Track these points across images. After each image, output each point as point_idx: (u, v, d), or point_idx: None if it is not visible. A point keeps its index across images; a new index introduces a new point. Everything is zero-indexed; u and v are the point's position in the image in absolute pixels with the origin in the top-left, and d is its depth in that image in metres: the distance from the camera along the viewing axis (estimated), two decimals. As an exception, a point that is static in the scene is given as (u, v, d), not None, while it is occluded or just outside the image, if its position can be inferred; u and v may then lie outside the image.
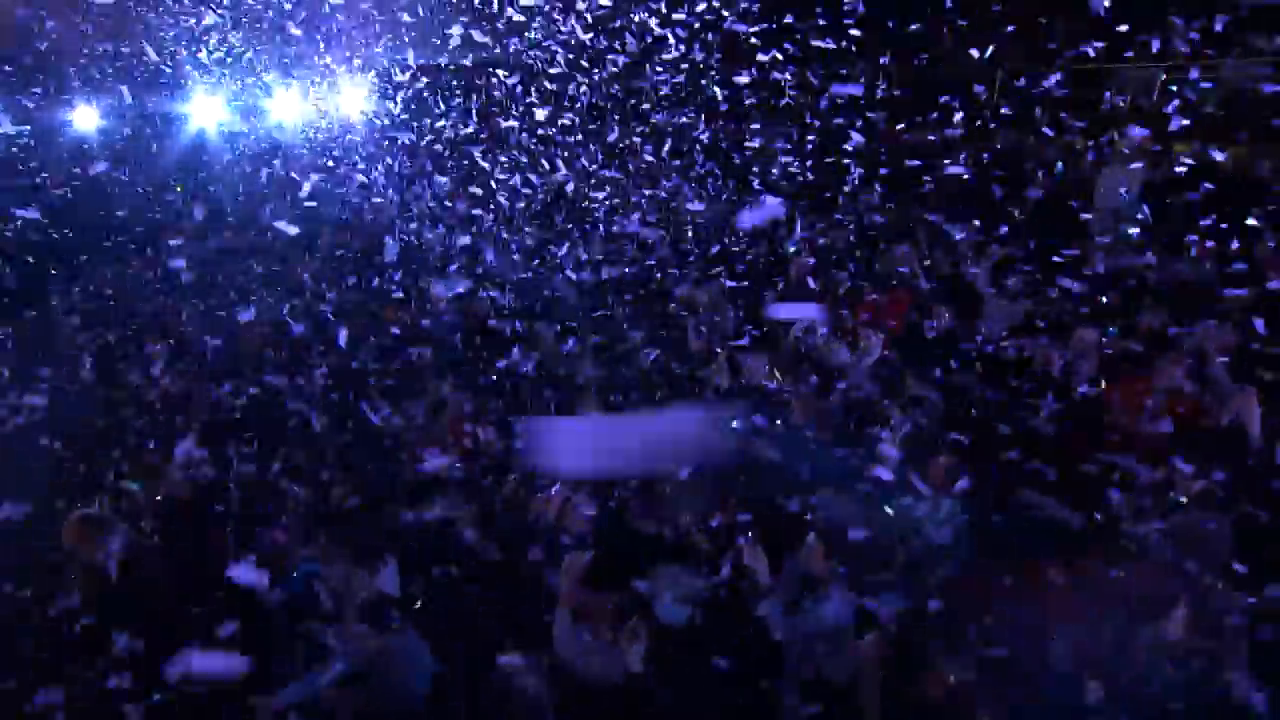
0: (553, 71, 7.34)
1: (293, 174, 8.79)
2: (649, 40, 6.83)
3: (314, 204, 7.51)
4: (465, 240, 6.63)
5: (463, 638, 3.37)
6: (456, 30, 6.82)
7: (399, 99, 9.25)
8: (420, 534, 3.92)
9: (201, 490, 4.11)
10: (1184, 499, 3.78)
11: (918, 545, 3.81)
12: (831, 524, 3.71)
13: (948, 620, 3.34)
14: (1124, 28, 7.10)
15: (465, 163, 7.93)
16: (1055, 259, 6.45)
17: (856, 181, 7.15)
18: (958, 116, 7.19)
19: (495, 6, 7.00)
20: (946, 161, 7.08)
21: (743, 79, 6.70)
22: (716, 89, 7.49)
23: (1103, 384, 4.73)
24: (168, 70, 9.41)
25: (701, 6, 6.65)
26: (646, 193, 7.30)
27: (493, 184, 7.03)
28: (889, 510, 3.78)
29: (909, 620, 3.11)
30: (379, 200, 8.15)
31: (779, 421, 4.59)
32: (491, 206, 7.17)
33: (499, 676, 2.92)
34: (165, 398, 5.18)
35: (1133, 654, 3.12)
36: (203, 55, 9.47)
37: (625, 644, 2.79)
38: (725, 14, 6.82)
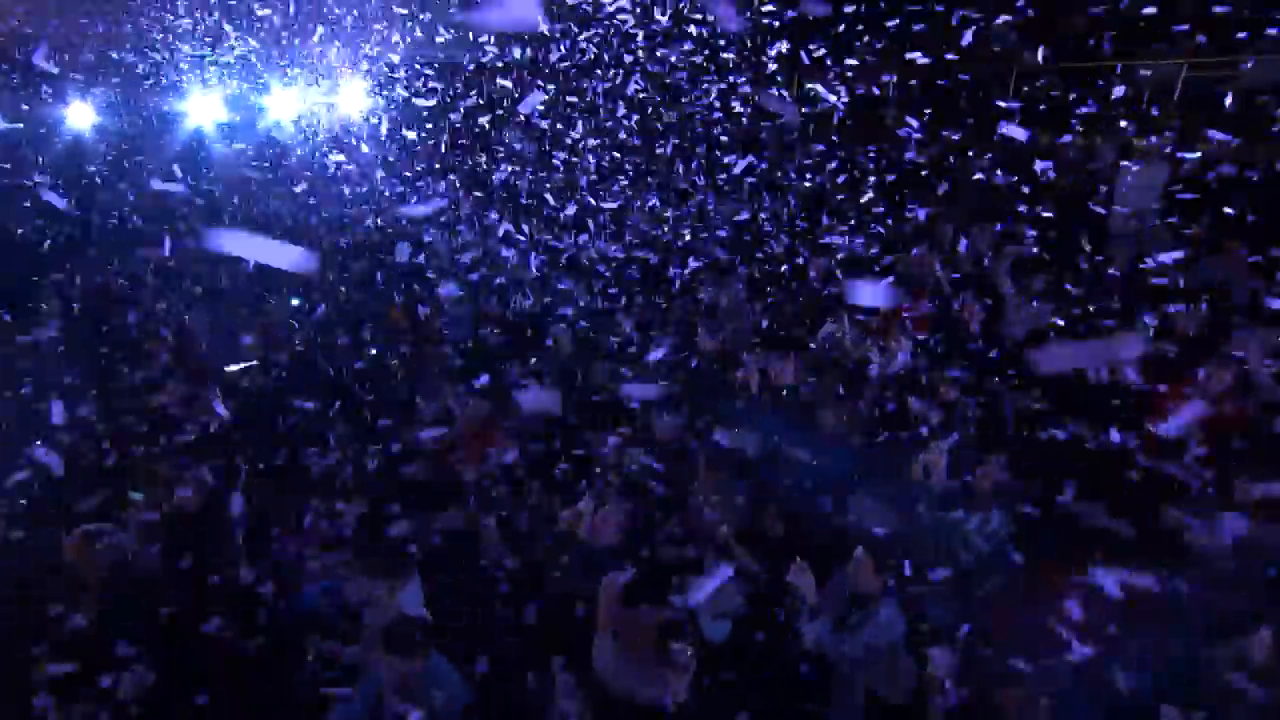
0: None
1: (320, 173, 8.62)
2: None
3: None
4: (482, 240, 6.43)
5: (493, 661, 3.16)
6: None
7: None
8: (444, 547, 3.74)
9: (210, 501, 3.88)
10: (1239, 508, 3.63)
11: (966, 556, 3.65)
12: (876, 535, 3.54)
13: (1002, 636, 3.18)
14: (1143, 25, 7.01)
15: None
16: (1079, 260, 6.34)
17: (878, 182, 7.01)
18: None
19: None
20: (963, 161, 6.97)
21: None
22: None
23: (1147, 389, 4.57)
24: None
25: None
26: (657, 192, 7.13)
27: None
28: (934, 519, 3.61)
29: (973, 638, 2.92)
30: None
31: (810, 426, 4.43)
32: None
33: (535, 700, 2.74)
34: (168, 404, 4.96)
35: (1201, 671, 2.97)
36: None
37: (674, 674, 2.60)
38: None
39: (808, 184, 7.25)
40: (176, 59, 11.00)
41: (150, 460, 4.26)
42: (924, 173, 7.10)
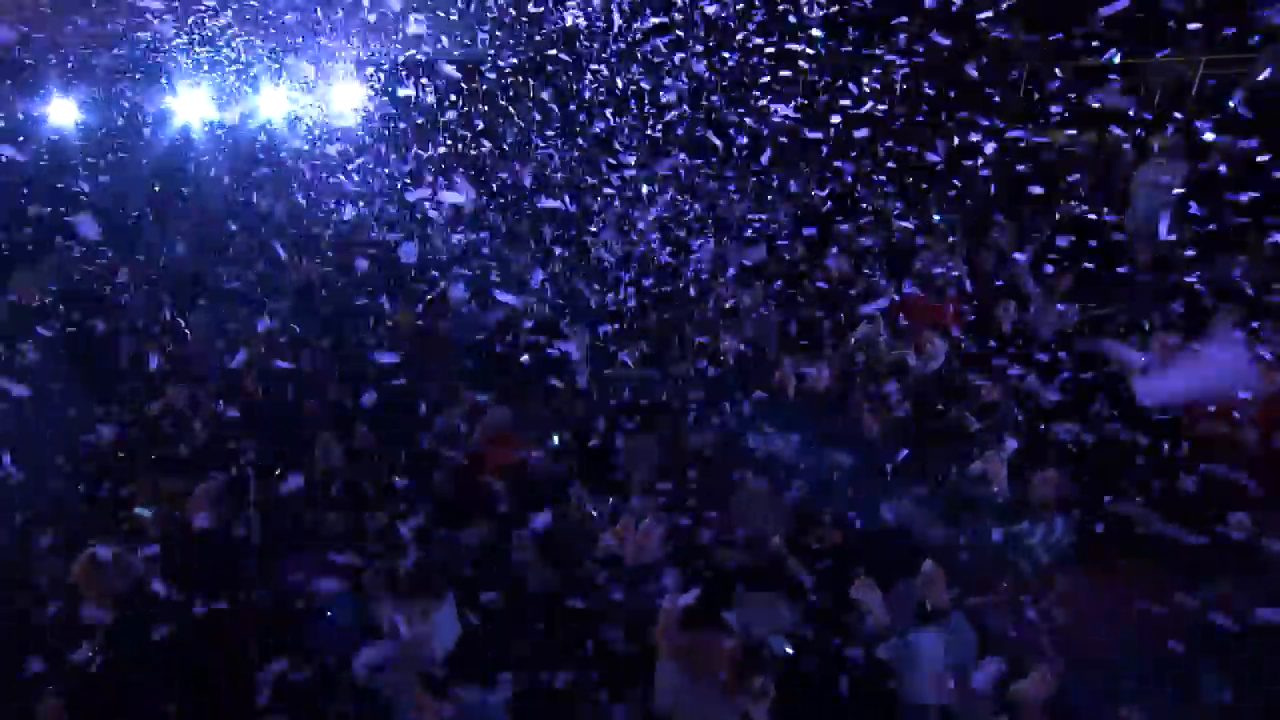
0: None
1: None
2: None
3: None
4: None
5: (537, 693, 2.94)
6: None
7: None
8: (476, 565, 3.51)
9: (225, 517, 3.62)
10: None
11: (1027, 567, 3.49)
12: (933, 546, 3.38)
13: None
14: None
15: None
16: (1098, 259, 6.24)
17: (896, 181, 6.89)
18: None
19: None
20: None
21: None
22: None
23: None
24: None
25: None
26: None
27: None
28: (997, 530, 3.45)
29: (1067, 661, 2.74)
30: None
31: (853, 431, 4.26)
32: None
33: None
34: (170, 413, 4.68)
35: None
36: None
37: (753, 704, 2.40)
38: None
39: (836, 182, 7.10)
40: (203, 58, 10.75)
41: (157, 474, 4.01)
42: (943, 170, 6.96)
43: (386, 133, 10.09)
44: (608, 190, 6.88)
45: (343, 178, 8.42)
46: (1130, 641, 3.05)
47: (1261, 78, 7.48)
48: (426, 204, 7.35)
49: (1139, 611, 3.15)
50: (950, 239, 6.38)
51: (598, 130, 7.79)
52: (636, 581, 3.19)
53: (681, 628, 2.72)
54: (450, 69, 9.08)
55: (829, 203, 6.96)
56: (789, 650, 3.12)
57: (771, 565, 3.36)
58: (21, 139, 9.15)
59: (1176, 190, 7.22)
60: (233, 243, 7.31)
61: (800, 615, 3.27)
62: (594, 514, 3.65)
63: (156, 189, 8.43)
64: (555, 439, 4.34)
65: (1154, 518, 3.71)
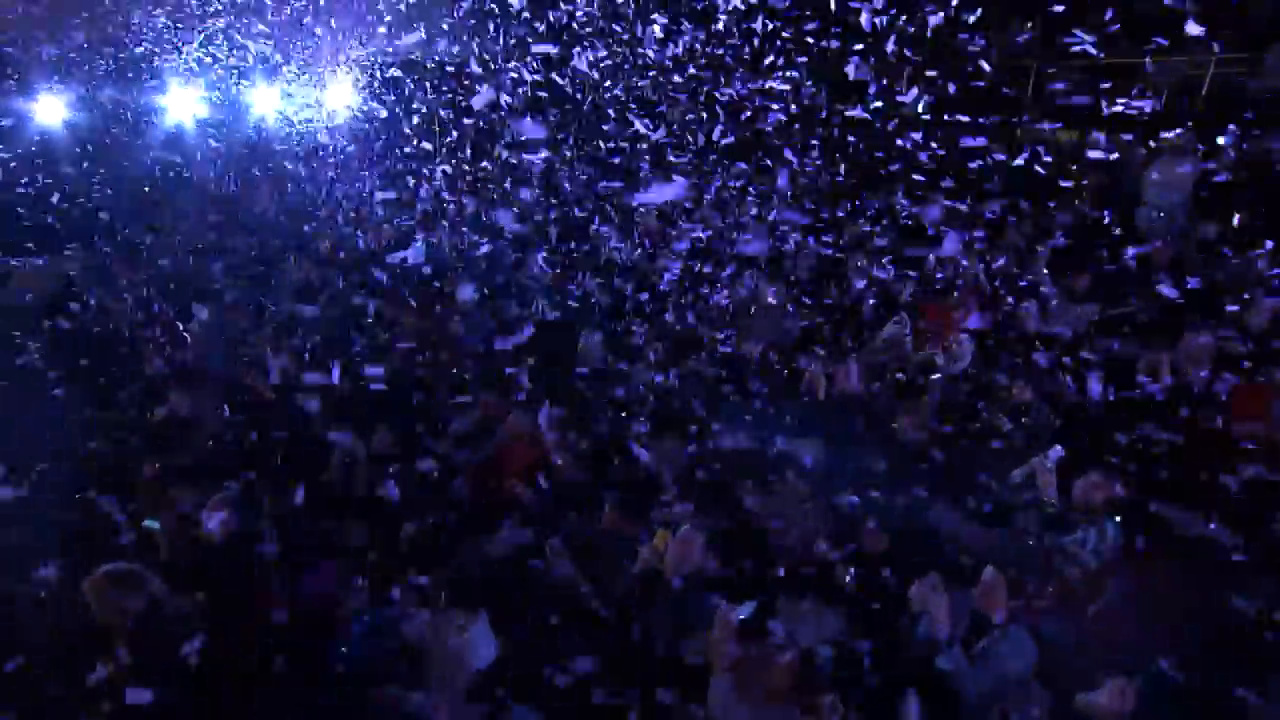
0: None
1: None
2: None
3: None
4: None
5: (582, 712, 2.80)
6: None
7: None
8: (507, 576, 3.36)
9: (238, 531, 3.44)
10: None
11: (1073, 573, 3.39)
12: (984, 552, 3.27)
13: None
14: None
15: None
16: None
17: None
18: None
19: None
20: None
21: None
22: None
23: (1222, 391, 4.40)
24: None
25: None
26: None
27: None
28: (1047, 537, 3.36)
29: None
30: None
31: (888, 435, 4.16)
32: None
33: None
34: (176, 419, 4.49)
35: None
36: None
37: (824, 722, 2.28)
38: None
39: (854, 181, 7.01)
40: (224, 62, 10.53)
41: (164, 484, 3.82)
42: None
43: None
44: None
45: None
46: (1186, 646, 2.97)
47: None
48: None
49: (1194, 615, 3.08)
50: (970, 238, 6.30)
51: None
52: (682, 592, 3.06)
53: (739, 641, 2.59)
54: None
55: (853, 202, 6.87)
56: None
57: (818, 572, 3.25)
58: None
59: (1189, 188, 7.21)
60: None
61: (846, 623, 3.17)
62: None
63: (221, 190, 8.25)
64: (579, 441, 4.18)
65: (1198, 520, 3.66)
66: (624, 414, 4.39)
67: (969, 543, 3.37)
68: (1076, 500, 3.49)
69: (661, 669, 2.83)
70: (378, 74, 10.78)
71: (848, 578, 3.23)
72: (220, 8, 9.81)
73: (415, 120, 9.59)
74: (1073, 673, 2.84)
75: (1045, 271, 5.99)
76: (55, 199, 7.35)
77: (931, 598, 2.80)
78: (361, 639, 3.18)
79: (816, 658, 2.49)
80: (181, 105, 10.27)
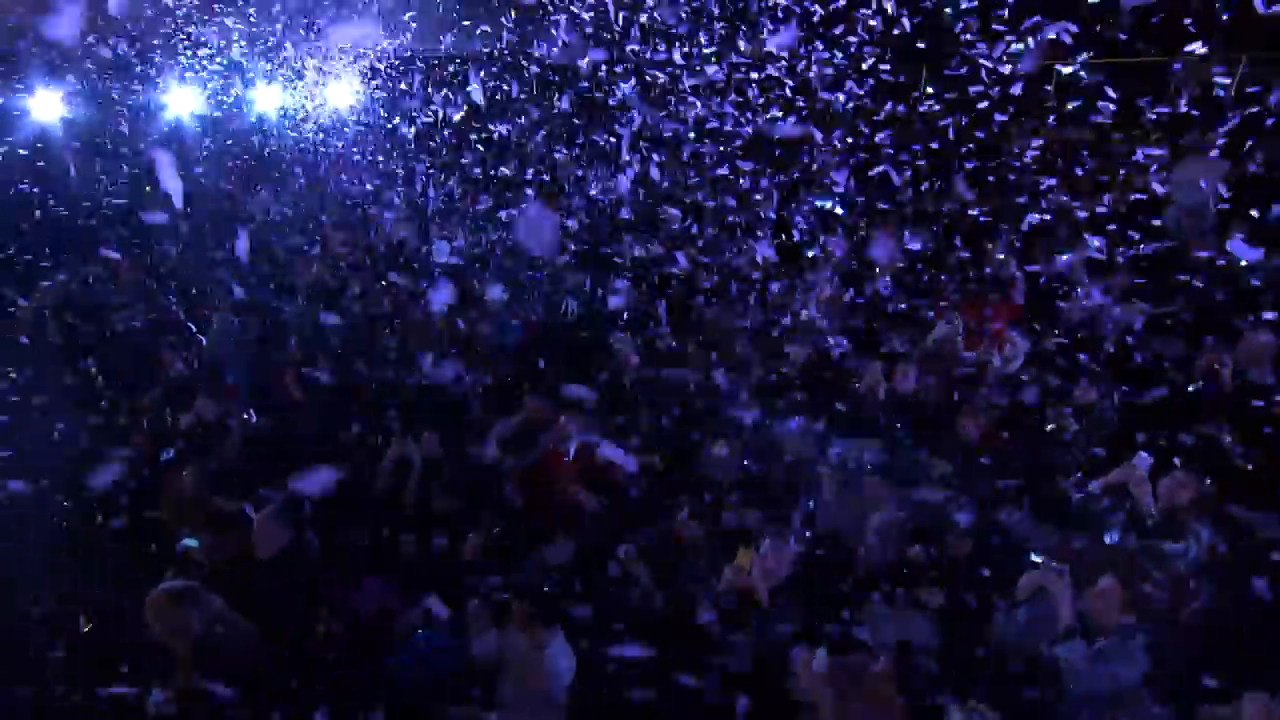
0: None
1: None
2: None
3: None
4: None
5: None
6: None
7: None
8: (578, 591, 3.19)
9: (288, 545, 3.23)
10: None
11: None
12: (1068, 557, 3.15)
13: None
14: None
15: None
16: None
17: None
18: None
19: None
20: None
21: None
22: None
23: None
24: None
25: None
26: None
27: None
28: (1144, 546, 3.23)
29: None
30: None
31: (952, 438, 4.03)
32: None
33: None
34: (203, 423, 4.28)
35: None
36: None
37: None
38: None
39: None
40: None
41: (201, 496, 3.61)
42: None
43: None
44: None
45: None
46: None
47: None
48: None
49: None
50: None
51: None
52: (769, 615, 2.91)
53: (828, 684, 2.42)
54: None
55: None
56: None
57: (905, 576, 3.11)
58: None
59: (1215, 188, 7.18)
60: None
61: (935, 625, 3.03)
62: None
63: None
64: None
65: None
66: (683, 419, 4.23)
67: (1056, 547, 3.24)
68: (1163, 504, 3.38)
69: (756, 693, 2.66)
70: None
71: (935, 584, 3.09)
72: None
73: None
74: (1186, 684, 2.72)
75: (1095, 271, 5.89)
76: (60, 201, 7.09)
77: (1056, 586, 2.67)
78: (426, 658, 3.00)
79: (910, 661, 2.34)
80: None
